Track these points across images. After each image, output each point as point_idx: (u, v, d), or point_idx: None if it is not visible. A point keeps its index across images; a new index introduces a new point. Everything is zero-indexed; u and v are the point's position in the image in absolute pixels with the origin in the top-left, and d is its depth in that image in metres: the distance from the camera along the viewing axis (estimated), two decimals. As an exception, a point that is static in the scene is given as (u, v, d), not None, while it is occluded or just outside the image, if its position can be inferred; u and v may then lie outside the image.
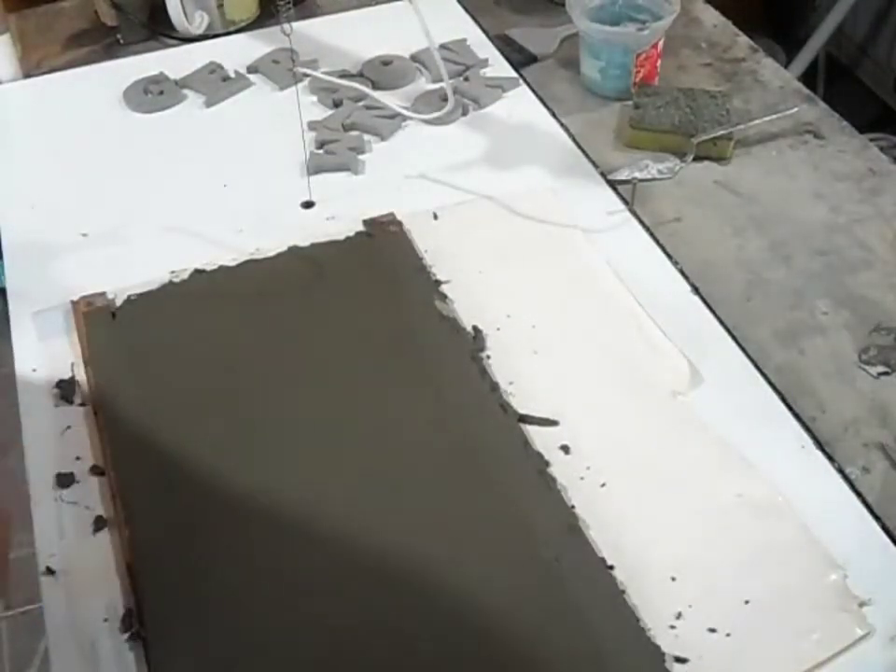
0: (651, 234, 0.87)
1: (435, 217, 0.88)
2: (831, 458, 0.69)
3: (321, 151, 0.96)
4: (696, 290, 0.81)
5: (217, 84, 1.06)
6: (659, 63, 1.04)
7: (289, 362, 0.76)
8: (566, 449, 0.70)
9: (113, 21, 1.15)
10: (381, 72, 1.06)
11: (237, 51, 1.10)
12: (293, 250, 0.85)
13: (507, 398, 0.73)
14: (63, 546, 0.65)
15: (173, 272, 0.83)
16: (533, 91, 1.04)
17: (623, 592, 0.61)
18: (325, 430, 0.71)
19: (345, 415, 0.72)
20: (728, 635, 0.60)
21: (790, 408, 0.72)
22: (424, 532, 0.65)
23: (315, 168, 0.93)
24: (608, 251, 0.85)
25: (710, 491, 0.67)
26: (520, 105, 1.02)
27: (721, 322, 0.79)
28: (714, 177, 0.94)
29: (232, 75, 1.07)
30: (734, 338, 0.77)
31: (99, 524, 0.66)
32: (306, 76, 1.01)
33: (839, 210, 0.90)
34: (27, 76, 1.12)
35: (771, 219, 0.89)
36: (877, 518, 0.65)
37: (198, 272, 0.83)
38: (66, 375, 0.76)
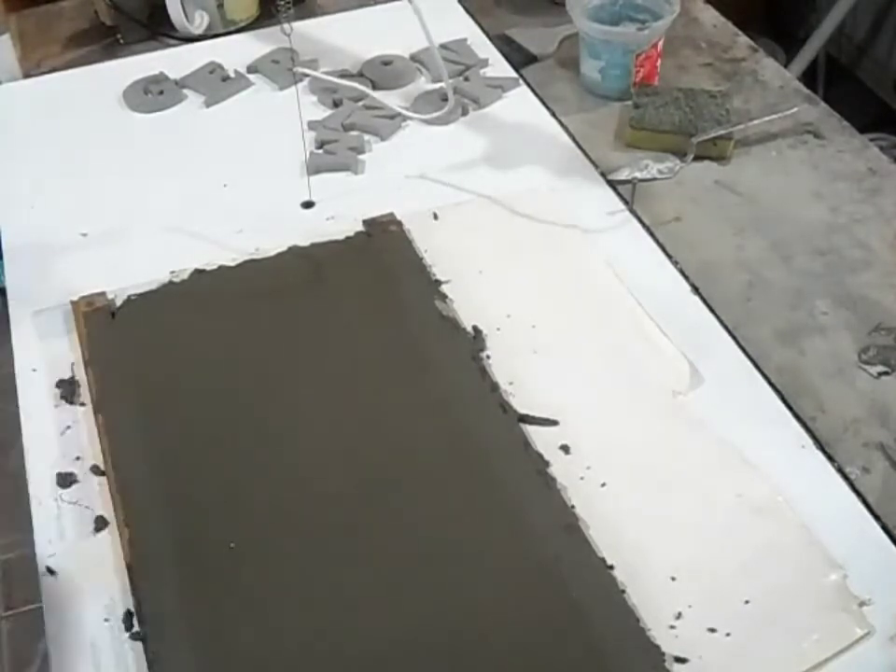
0: (651, 234, 0.87)
1: (435, 217, 0.88)
2: (831, 458, 0.69)
3: (321, 151, 0.96)
4: (696, 290, 0.81)
5: (217, 84, 1.06)
6: (659, 62, 1.03)
7: (289, 362, 0.76)
8: (566, 449, 0.70)
9: (113, 21, 1.15)
10: (381, 72, 1.06)
11: (237, 51, 1.10)
12: (293, 250, 0.85)
13: (507, 398, 0.73)
14: (63, 546, 0.66)
15: (173, 272, 0.83)
16: (533, 90, 1.04)
17: (623, 592, 0.61)
18: (325, 430, 0.71)
19: (345, 415, 0.72)
20: (728, 635, 0.60)
21: (790, 408, 0.72)
22: (424, 532, 0.65)
23: (314, 168, 0.93)
24: (608, 251, 0.85)
25: (710, 491, 0.67)
26: (520, 105, 1.02)
27: (721, 322, 0.79)
28: (714, 177, 0.94)
29: (232, 75, 1.07)
30: (734, 338, 0.77)
31: (99, 524, 0.66)
32: (306, 76, 1.01)
33: (839, 210, 0.90)
34: (27, 76, 1.12)
35: (771, 219, 0.89)
36: (877, 518, 0.65)
37: (198, 272, 0.83)
38: (66, 375, 0.76)
